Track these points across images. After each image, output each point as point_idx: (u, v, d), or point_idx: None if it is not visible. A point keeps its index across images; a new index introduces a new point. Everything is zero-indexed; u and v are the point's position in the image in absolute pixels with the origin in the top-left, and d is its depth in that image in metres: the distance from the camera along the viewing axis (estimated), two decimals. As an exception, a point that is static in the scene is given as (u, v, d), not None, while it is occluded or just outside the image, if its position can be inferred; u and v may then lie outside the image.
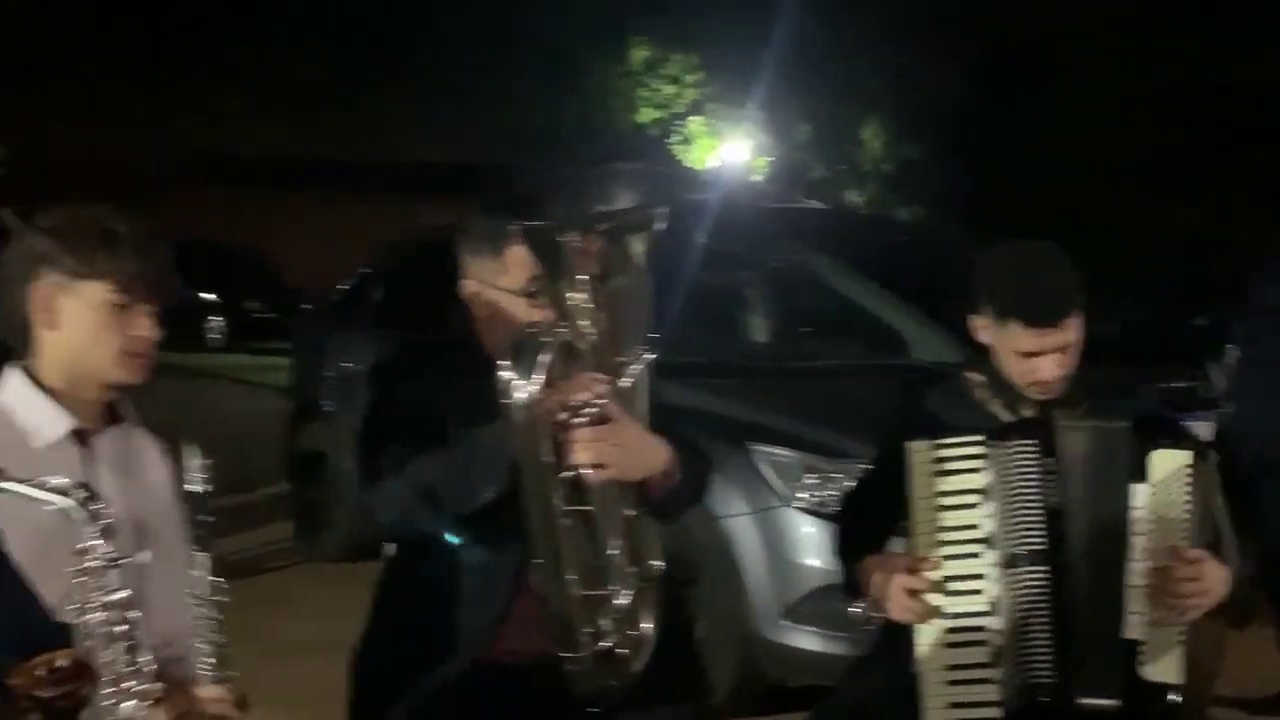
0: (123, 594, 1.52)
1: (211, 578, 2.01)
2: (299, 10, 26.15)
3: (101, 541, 1.51)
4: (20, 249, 2.10)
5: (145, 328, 2.10)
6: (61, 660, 1.43)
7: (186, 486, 2.04)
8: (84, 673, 1.44)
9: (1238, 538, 2.50)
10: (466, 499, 2.19)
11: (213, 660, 1.99)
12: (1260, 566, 3.05)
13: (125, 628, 1.49)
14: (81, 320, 2.08)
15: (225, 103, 27.17)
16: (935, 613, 2.43)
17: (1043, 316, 2.47)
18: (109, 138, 25.42)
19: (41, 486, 1.49)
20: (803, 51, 19.50)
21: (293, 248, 22.32)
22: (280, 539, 6.58)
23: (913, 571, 2.43)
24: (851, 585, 2.67)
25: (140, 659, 1.49)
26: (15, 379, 2.12)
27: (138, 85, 26.97)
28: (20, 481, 1.48)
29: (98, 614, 1.50)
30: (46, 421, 2.08)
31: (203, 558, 2.01)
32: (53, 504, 1.49)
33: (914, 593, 2.43)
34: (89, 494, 1.49)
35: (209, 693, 1.97)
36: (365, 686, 2.45)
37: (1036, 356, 2.49)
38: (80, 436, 2.12)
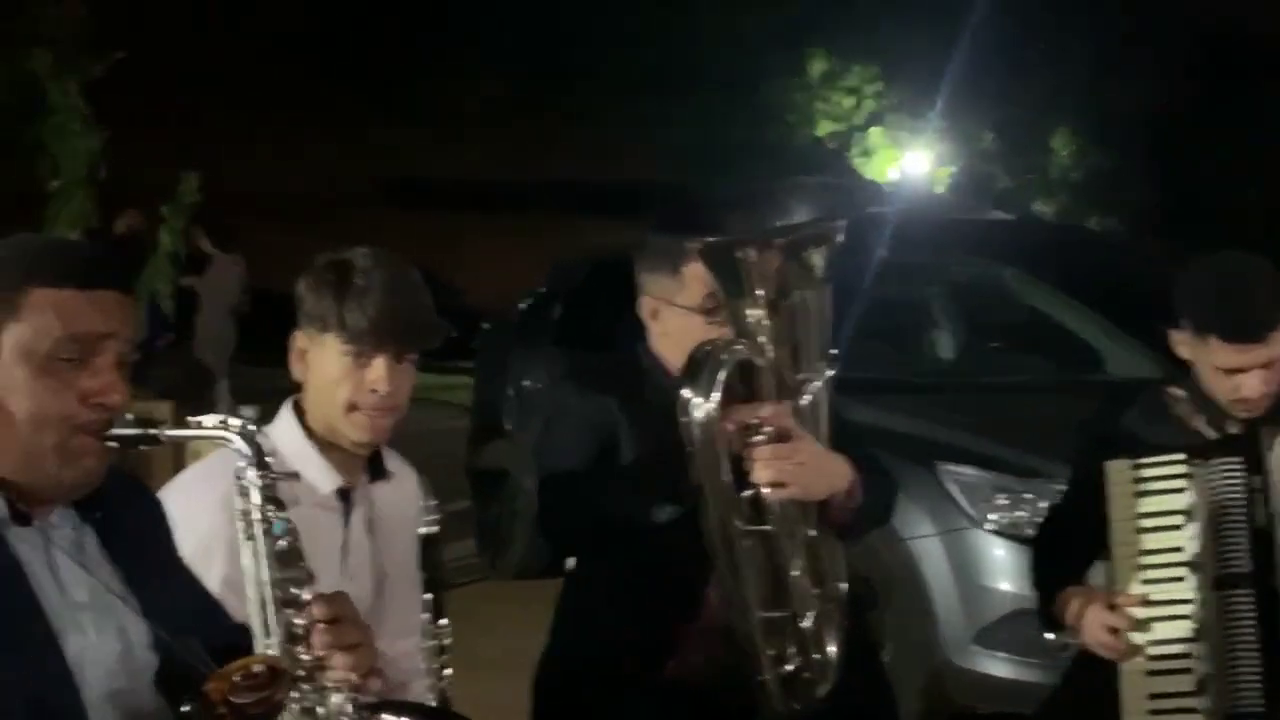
0: (306, 595, 1.54)
1: (436, 620, 2.06)
2: (472, 39, 26.79)
3: (286, 542, 1.54)
4: (295, 298, 2.11)
5: (378, 382, 2.04)
6: (256, 665, 1.45)
7: (420, 530, 2.07)
8: (278, 678, 1.45)
9: None
10: (643, 521, 2.17)
11: (435, 698, 2.03)
12: None
13: (290, 539, 1.55)
14: (322, 371, 2.07)
15: (406, 130, 28.01)
16: (1136, 652, 2.32)
17: (1244, 332, 2.34)
18: (296, 165, 26.48)
19: (200, 425, 1.56)
20: (987, 59, 19.11)
21: (471, 268, 22.84)
22: (464, 556, 6.69)
23: (1113, 607, 2.33)
24: (1048, 617, 2.57)
25: (311, 576, 1.56)
26: (287, 421, 2.13)
27: (323, 115, 28.01)
28: (182, 424, 1.54)
29: (282, 612, 1.52)
30: (315, 476, 2.08)
31: (429, 600, 2.06)
32: (210, 435, 1.55)
33: (1114, 630, 2.33)
34: (245, 421, 1.53)
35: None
36: (548, 704, 2.45)
37: (1240, 373, 2.36)
38: (342, 495, 2.12)
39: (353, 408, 2.05)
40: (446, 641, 2.07)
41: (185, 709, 1.46)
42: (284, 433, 2.11)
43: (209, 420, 1.56)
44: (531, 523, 6.22)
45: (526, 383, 6.48)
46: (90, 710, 1.48)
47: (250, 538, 1.54)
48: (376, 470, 2.18)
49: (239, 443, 1.54)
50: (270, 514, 1.54)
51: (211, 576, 1.84)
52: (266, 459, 1.55)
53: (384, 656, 2.17)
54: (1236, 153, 19.74)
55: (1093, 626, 2.36)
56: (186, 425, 1.56)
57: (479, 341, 7.58)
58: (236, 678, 1.43)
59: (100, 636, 1.52)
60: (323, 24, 27.87)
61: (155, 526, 1.69)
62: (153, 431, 1.53)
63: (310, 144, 27.27)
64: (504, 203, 26.94)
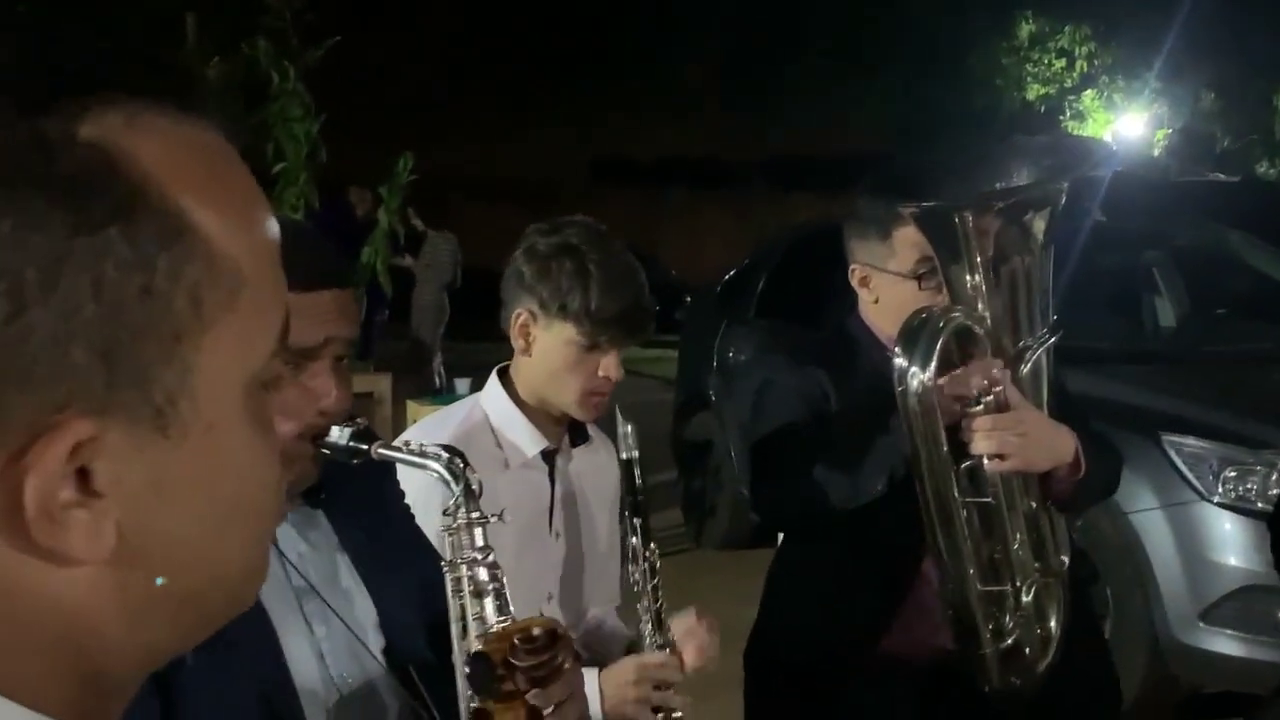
0: (489, 553, 1.49)
1: (646, 545, 2.06)
2: (681, 22, 26.83)
3: (463, 499, 1.50)
4: (512, 270, 2.15)
5: (610, 369, 2.10)
6: (536, 628, 1.43)
7: (622, 455, 2.09)
8: (557, 641, 1.42)
9: None
10: (856, 495, 2.14)
11: (652, 625, 2.05)
12: None
13: (494, 584, 1.49)
14: (550, 354, 2.11)
15: (616, 111, 28.31)
16: None
17: None
18: (508, 148, 27.06)
19: (416, 453, 1.53)
20: (1206, 14, 18.18)
21: (676, 243, 22.97)
22: (672, 526, 6.75)
23: None
24: None
25: (509, 615, 1.49)
26: (495, 386, 2.20)
27: (533, 99, 28.51)
28: (395, 449, 1.53)
29: (464, 570, 1.49)
30: (520, 439, 2.15)
31: (638, 523, 2.07)
32: (426, 467, 1.53)
33: None
34: (453, 456, 1.52)
35: (652, 659, 2.03)
36: (760, 677, 2.45)
37: None
38: (546, 456, 2.18)
39: (580, 392, 2.09)
40: (657, 563, 2.08)
41: (467, 670, 1.44)
42: (493, 400, 2.17)
43: (429, 450, 1.52)
44: (736, 494, 6.24)
45: (730, 354, 6.49)
46: (313, 701, 1.46)
47: (459, 592, 1.50)
48: (578, 435, 2.23)
49: (450, 480, 1.51)
50: (479, 558, 1.49)
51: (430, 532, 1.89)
52: (475, 496, 1.50)
53: (587, 623, 2.23)
54: None
55: None
56: (402, 450, 1.52)
57: (684, 314, 7.63)
58: (516, 640, 1.41)
59: (326, 626, 1.50)
60: (532, 8, 28.37)
61: (387, 500, 1.68)
62: (365, 447, 1.47)
63: (523, 127, 27.84)
64: (714, 180, 27.04)
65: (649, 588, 2.06)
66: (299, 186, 5.64)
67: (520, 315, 2.11)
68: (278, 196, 5.56)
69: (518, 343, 2.13)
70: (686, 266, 19.47)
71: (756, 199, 25.57)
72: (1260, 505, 3.88)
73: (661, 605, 2.07)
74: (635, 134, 28.38)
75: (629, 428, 2.08)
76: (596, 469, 2.25)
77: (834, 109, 25.03)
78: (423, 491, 1.93)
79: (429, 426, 2.19)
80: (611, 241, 2.13)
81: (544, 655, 1.41)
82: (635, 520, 2.07)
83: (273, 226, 0.63)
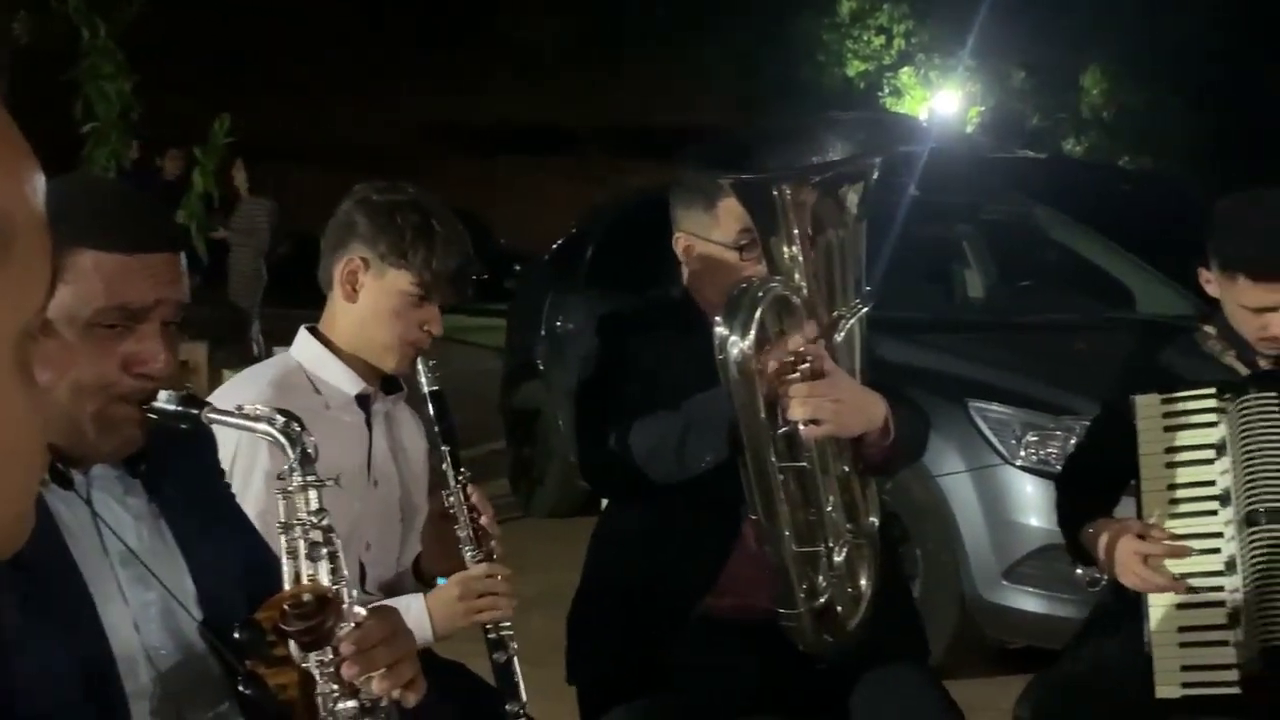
0: (324, 515, 1.51)
1: (459, 469, 2.13)
2: None
3: (298, 463, 1.50)
4: (341, 220, 2.17)
5: (434, 323, 2.16)
6: (306, 594, 1.45)
7: (425, 389, 2.16)
8: (328, 606, 1.45)
9: None
10: (685, 465, 2.20)
11: (471, 543, 2.11)
12: None
13: (328, 547, 1.51)
14: (377, 302, 2.14)
15: (446, 76, 27.91)
16: (1170, 582, 2.32)
17: (1272, 271, 2.31)
18: (332, 112, 26.45)
19: (250, 416, 1.52)
20: (1018, -3, 18.85)
21: (508, 211, 22.83)
22: (499, 495, 6.76)
23: (1145, 537, 2.33)
24: (1076, 551, 2.57)
25: (343, 579, 1.52)
26: (306, 338, 2.22)
27: (362, 61, 27.91)
28: (225, 412, 1.52)
29: (298, 533, 1.51)
30: (337, 380, 2.18)
31: (447, 450, 2.13)
32: (255, 430, 1.53)
33: (1147, 559, 2.33)
34: (288, 419, 1.52)
35: (475, 572, 2.11)
36: (583, 641, 2.49)
37: (1267, 312, 2.34)
38: (363, 404, 2.21)
39: (400, 342, 2.14)
40: (469, 486, 2.15)
41: (238, 637, 1.46)
42: (305, 350, 2.20)
43: (258, 412, 1.52)
44: (564, 463, 6.28)
45: (559, 323, 6.51)
46: (130, 670, 1.46)
47: (293, 553, 1.51)
48: (391, 385, 2.27)
49: (285, 444, 1.50)
50: (314, 521, 1.50)
51: (249, 497, 1.90)
52: (311, 460, 1.51)
53: (405, 568, 2.27)
54: (1267, 90, 19.42)
55: (1125, 557, 2.35)
56: (234, 414, 1.51)
57: (514, 283, 7.61)
58: (286, 606, 1.44)
59: (142, 595, 1.49)
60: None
61: (206, 472, 1.67)
62: (195, 411, 1.47)
63: (348, 90, 27.21)
64: (551, 147, 26.88)
65: (464, 508, 2.13)
66: (111, 145, 5.45)
67: (350, 262, 2.14)
68: (88, 155, 5.37)
69: (342, 288, 2.16)
70: (522, 235, 19.39)
71: (594, 167, 25.59)
72: (1059, 468, 4.07)
73: (479, 523, 2.13)
74: (470, 99, 28.03)
75: (429, 363, 2.15)
76: (410, 417, 2.31)
77: (673, 78, 25.17)
78: (241, 457, 1.92)
79: (240, 383, 2.21)
80: (441, 202, 2.20)
81: (314, 620, 1.43)
82: (445, 448, 2.14)
83: (41, 181, 0.64)
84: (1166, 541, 2.32)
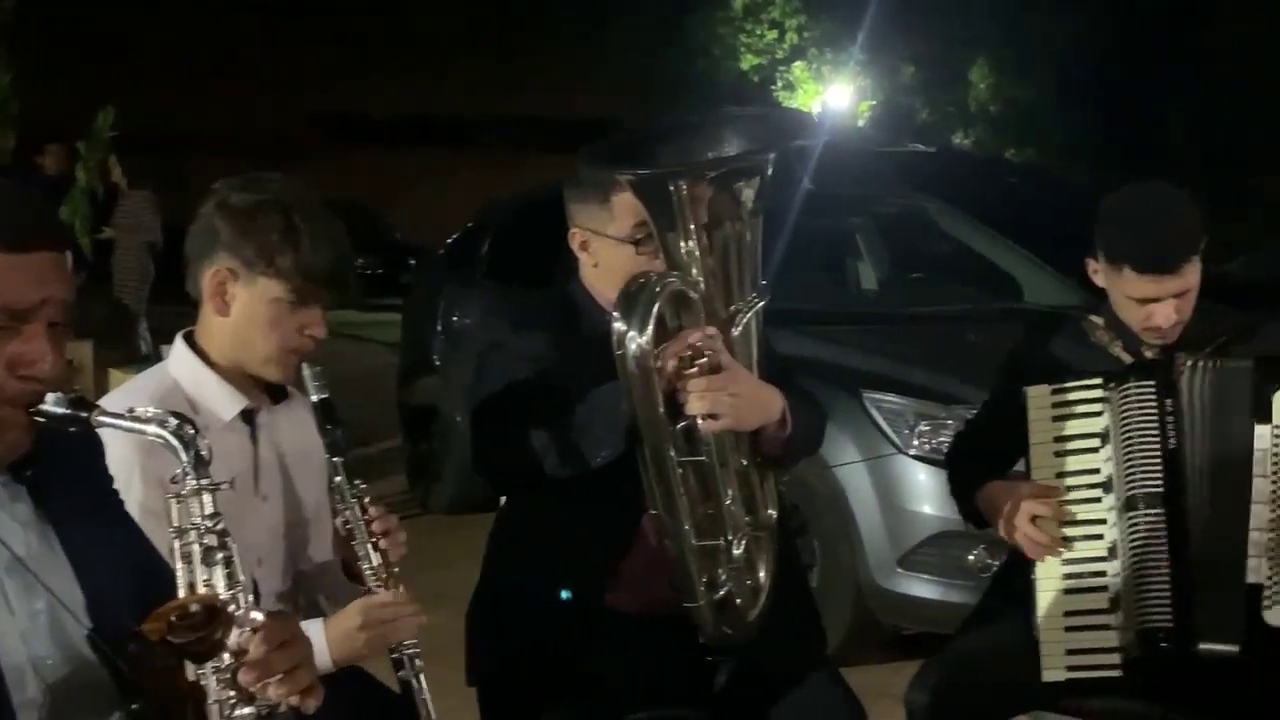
0: (218, 520, 1.49)
1: (354, 483, 2.07)
2: None
3: (191, 467, 1.48)
4: (203, 226, 2.06)
5: (316, 327, 2.07)
6: (194, 605, 1.42)
7: (313, 398, 2.08)
8: (217, 616, 1.43)
9: None
10: (583, 460, 2.19)
11: (374, 562, 2.06)
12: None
13: (223, 553, 1.49)
14: (252, 313, 2.04)
15: (342, 66, 27.50)
16: (1060, 543, 2.38)
17: (1156, 263, 2.39)
18: (230, 103, 25.92)
19: (142, 419, 1.48)
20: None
21: (403, 204, 22.62)
22: (396, 492, 6.69)
23: (1038, 498, 2.39)
24: (970, 514, 2.64)
25: (239, 584, 1.49)
26: (183, 351, 2.11)
27: (255, 47, 27.39)
28: (117, 415, 1.47)
29: (192, 538, 1.48)
30: (216, 403, 2.08)
31: (338, 463, 2.07)
32: (146, 434, 1.49)
33: (1040, 521, 2.38)
34: (181, 421, 1.48)
35: (377, 599, 2.05)
36: (482, 637, 2.48)
37: (1152, 303, 2.42)
38: (247, 417, 2.12)
39: (281, 352, 2.06)
40: (369, 500, 2.10)
41: (131, 648, 1.43)
42: (182, 365, 2.10)
43: (149, 414, 1.48)
44: (463, 458, 6.24)
45: (456, 318, 6.46)
46: (18, 681, 1.42)
47: (187, 559, 1.48)
48: (276, 393, 2.19)
49: (179, 448, 1.47)
50: (208, 526, 1.48)
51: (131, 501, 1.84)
52: (205, 463, 1.48)
53: (306, 575, 2.21)
54: (1152, 85, 19.97)
55: (1020, 515, 2.40)
56: (124, 417, 1.47)
57: (409, 278, 7.54)
58: (173, 617, 1.40)
59: (30, 604, 1.46)
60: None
61: (95, 477, 1.63)
62: (84, 414, 1.43)
63: (244, 81, 26.68)
64: (451, 140, 26.62)
65: (362, 525, 2.07)
66: (-11, 141, 5.30)
67: (217, 273, 2.04)
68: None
69: (213, 302, 2.06)
70: (420, 228, 19.21)
71: (493, 159, 25.44)
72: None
73: (379, 540, 2.08)
74: (368, 90, 27.64)
75: (315, 369, 2.07)
76: (299, 427, 2.21)
77: (571, 70, 25.11)
78: (124, 463, 1.86)
79: (114, 401, 2.05)
80: (313, 196, 2.09)
81: (201, 631, 1.41)
82: (336, 460, 2.07)
83: None
84: (1056, 503, 2.38)
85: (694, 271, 2.09)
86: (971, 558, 4.13)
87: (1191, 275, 2.42)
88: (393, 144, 26.82)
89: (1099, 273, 2.51)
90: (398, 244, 19.75)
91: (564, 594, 2.33)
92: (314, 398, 2.09)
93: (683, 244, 2.07)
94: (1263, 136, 18.13)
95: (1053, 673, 2.39)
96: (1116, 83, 20.18)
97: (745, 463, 2.20)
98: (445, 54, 27.63)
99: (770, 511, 2.27)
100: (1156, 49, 19.54)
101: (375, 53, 27.53)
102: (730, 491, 2.16)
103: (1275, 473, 2.31)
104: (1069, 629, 2.39)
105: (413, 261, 7.76)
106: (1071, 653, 2.39)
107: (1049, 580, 2.41)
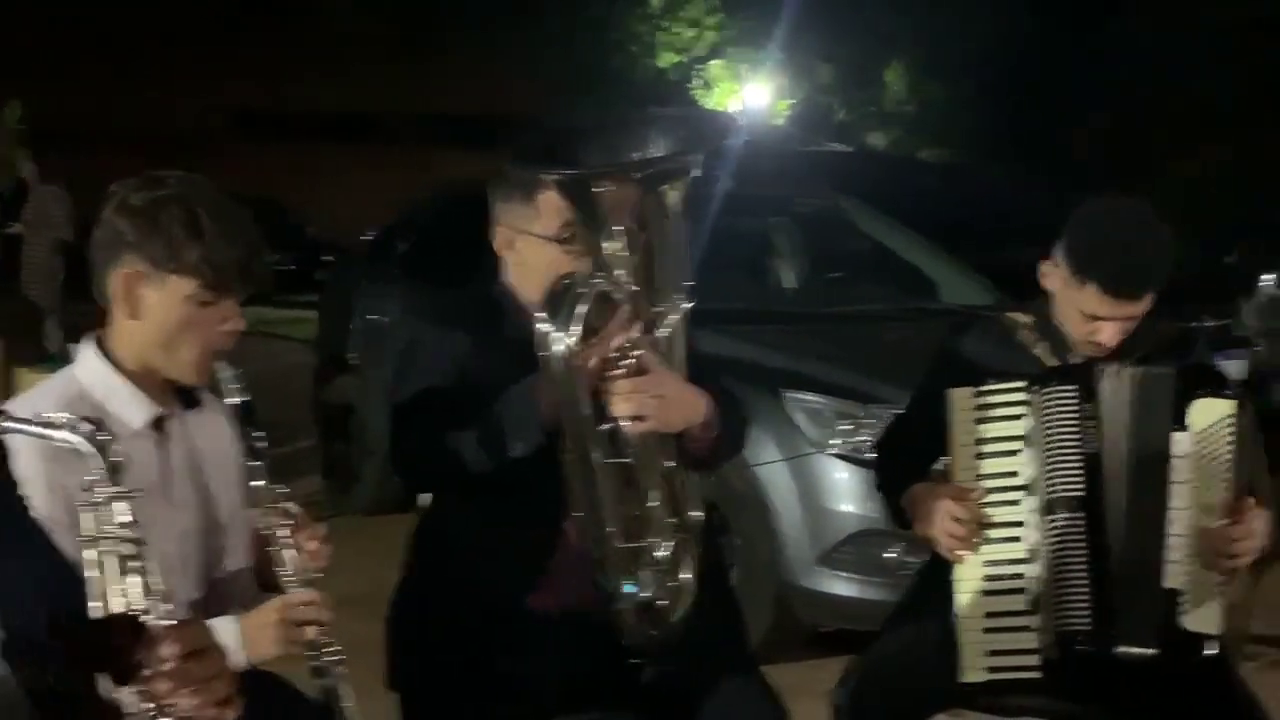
0: (134, 527, 1.46)
1: (272, 487, 2.03)
2: None
3: (107, 474, 1.45)
4: (105, 229, 1.99)
5: (232, 320, 2.01)
6: (114, 625, 1.40)
7: (229, 401, 2.03)
8: (134, 634, 1.41)
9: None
10: (500, 456, 2.17)
11: (292, 567, 2.01)
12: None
13: (138, 561, 1.45)
14: (165, 314, 1.98)
15: (256, 61, 27.10)
16: (979, 541, 2.40)
17: (1124, 290, 2.39)
18: (139, 98, 25.43)
19: (48, 424, 1.44)
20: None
21: (317, 200, 22.36)
22: (311, 493, 6.60)
23: (959, 499, 2.41)
24: (896, 513, 2.66)
25: (153, 592, 1.45)
26: (91, 356, 2.04)
27: (165, 40, 26.89)
28: (25, 420, 1.43)
29: (107, 546, 1.44)
30: (126, 410, 2.01)
31: (259, 467, 2.02)
32: (54, 439, 1.45)
33: (959, 521, 2.41)
34: (96, 428, 1.44)
35: (295, 597, 2.00)
36: (403, 641, 2.45)
37: (1101, 320, 2.43)
38: (158, 423, 2.06)
39: (199, 351, 2.01)
40: (290, 506, 2.06)
41: (54, 670, 1.40)
42: (90, 371, 2.03)
43: (62, 419, 1.45)
44: (380, 459, 6.18)
45: (373, 317, 6.39)
46: None
47: (101, 567, 1.45)
48: (188, 398, 2.13)
49: (93, 454, 1.44)
50: (125, 534, 1.45)
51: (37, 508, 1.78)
52: (120, 470, 1.44)
53: (220, 584, 2.17)
54: (1063, 86, 20.35)
55: (937, 515, 2.43)
56: (34, 422, 1.44)
57: (323, 275, 7.46)
58: (92, 638, 1.39)
59: None
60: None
61: (2, 486, 1.59)
62: None
63: (154, 75, 26.18)
64: (365, 135, 26.38)
65: (282, 531, 2.03)
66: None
67: (124, 275, 1.98)
68: None
69: (123, 306, 1.99)
70: (333, 224, 18.99)
71: (406, 155, 25.20)
72: (870, 455, 4.18)
73: (298, 546, 2.04)
74: (280, 85, 27.27)
75: (231, 371, 2.02)
76: (214, 430, 2.16)
77: (486, 65, 24.96)
78: (29, 470, 1.79)
79: (20, 406, 1.96)
80: (214, 189, 2.03)
81: (125, 648, 1.40)
82: (256, 465, 2.03)
83: None
84: (976, 505, 2.40)
85: (620, 272, 2.08)
86: (890, 556, 4.17)
87: (1149, 302, 2.43)
88: (306, 140, 26.51)
89: (1052, 275, 2.50)
90: (311, 241, 19.55)
91: (487, 598, 2.31)
92: (232, 401, 2.04)
93: (608, 244, 2.06)
94: (1169, 135, 18.59)
95: (972, 673, 2.41)
96: (1028, 83, 20.53)
97: (670, 464, 2.19)
98: (359, 49, 27.33)
99: (694, 513, 2.27)
100: (1067, 50, 19.91)
101: (289, 49, 27.17)
102: (655, 493, 2.15)
103: (1194, 479, 2.34)
104: (988, 630, 2.41)
105: (326, 258, 7.66)
106: (991, 654, 2.41)
107: (969, 581, 2.43)
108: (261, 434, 2.05)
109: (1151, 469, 2.36)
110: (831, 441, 4.30)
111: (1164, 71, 18.18)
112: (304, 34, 26.94)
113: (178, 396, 2.11)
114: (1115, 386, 2.40)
